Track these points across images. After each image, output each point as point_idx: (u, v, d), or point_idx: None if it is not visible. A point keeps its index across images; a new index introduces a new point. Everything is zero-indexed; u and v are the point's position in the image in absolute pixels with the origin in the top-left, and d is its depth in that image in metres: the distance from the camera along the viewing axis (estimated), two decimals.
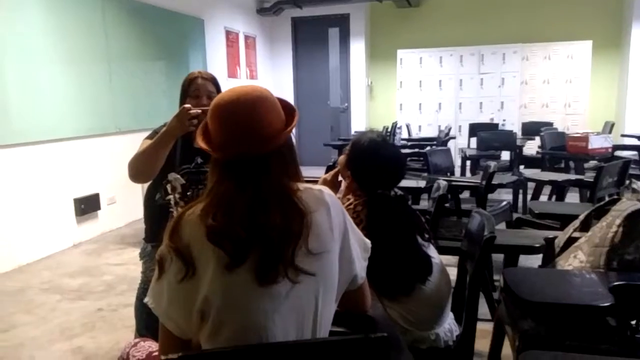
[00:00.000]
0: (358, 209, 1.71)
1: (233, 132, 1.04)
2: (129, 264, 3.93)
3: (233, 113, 1.04)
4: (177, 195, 1.93)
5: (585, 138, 4.74)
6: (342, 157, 1.88)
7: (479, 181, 3.57)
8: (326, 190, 1.12)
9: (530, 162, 6.04)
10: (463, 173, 6.17)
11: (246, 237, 0.96)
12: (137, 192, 4.72)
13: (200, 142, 1.07)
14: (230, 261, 0.96)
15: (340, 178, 1.91)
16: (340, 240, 1.09)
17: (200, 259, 0.98)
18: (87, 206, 4.68)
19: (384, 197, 1.78)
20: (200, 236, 0.98)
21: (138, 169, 1.89)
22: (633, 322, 1.62)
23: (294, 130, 1.10)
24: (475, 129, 6.93)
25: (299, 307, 1.00)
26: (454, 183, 3.49)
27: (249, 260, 0.96)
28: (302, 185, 1.08)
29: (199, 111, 1.79)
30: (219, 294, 0.96)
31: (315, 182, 1.65)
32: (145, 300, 1.06)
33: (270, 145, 1.03)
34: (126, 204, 5.11)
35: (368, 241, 1.20)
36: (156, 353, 1.27)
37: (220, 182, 1.04)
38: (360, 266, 1.15)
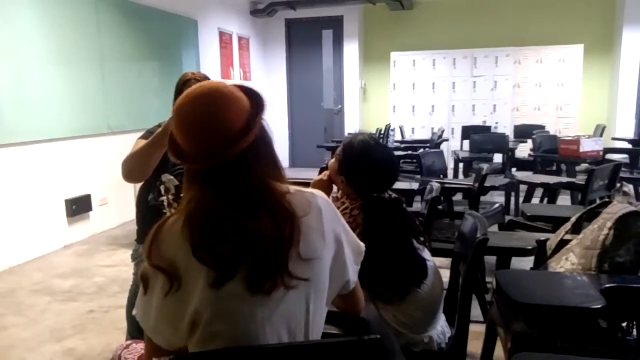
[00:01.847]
0: (355, 213, 1.69)
1: (197, 137, 0.99)
2: (121, 266, 3.90)
3: (192, 116, 0.99)
4: (170, 197, 1.92)
5: (576, 141, 4.78)
6: (333, 163, 1.84)
7: (471, 183, 3.58)
8: (319, 194, 1.09)
9: (522, 164, 6.07)
10: (456, 175, 6.18)
11: (234, 252, 0.93)
12: (129, 193, 4.70)
13: (172, 156, 1.02)
14: (217, 278, 0.92)
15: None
16: (334, 246, 1.06)
17: (189, 273, 0.94)
18: (79, 207, 4.65)
19: (379, 200, 1.76)
20: (186, 251, 0.94)
21: (132, 168, 1.89)
22: (624, 324, 1.63)
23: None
24: (467, 132, 6.96)
25: (291, 313, 0.99)
26: (446, 185, 3.50)
27: (240, 272, 0.93)
28: (293, 188, 1.04)
29: None
30: (210, 306, 0.94)
31: (307, 184, 1.64)
32: (133, 313, 1.03)
33: (242, 143, 0.97)
34: (118, 205, 5.09)
35: (362, 244, 1.18)
36: None
37: (200, 192, 0.99)
38: (353, 270, 1.13)
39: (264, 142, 1.03)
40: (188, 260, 0.94)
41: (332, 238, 1.06)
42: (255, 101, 1.04)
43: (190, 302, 0.94)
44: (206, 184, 0.99)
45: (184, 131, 1.01)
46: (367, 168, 1.75)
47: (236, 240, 0.93)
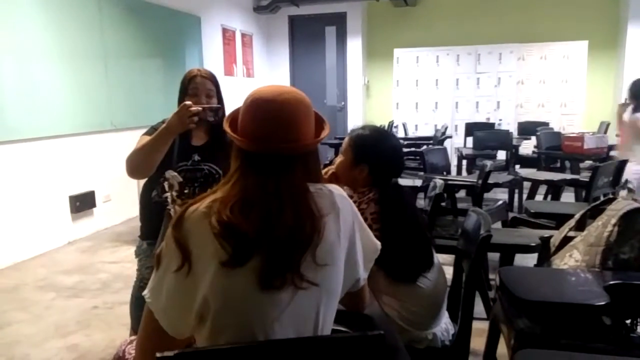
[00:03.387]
0: (363, 207, 1.69)
1: (269, 126, 1.03)
2: (125, 262, 3.92)
3: (273, 114, 1.03)
4: (174, 193, 1.92)
5: (580, 138, 4.77)
6: (343, 158, 1.81)
7: (475, 180, 3.58)
8: (336, 190, 1.10)
9: (526, 161, 6.06)
10: (459, 172, 6.18)
11: (254, 237, 0.95)
12: (132, 189, 4.71)
13: (227, 129, 1.08)
14: (230, 260, 0.94)
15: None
16: (347, 244, 1.07)
17: (202, 256, 0.96)
18: (83, 204, 4.67)
19: (396, 185, 1.79)
20: (206, 231, 0.96)
21: (136, 165, 1.90)
22: (628, 321, 1.63)
23: None
24: (471, 129, 6.95)
25: (300, 315, 0.99)
26: (450, 182, 3.50)
27: (253, 263, 0.94)
28: (313, 186, 1.06)
29: (200, 108, 1.79)
30: (219, 296, 0.95)
31: None
32: (144, 293, 1.04)
33: (299, 148, 1.04)
34: (122, 201, 5.10)
35: (378, 243, 1.18)
36: None
37: (242, 173, 1.03)
38: (364, 269, 1.13)
39: (315, 157, 1.11)
40: (204, 242, 0.96)
41: (347, 238, 1.07)
42: (320, 124, 1.12)
43: (200, 291, 0.96)
44: (250, 168, 1.03)
45: (259, 118, 1.04)
46: (387, 151, 1.78)
47: (259, 227, 0.96)
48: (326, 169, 1.88)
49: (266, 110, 1.04)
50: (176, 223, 1.01)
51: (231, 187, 1.02)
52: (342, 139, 1.91)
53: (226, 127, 1.08)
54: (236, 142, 1.05)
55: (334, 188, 1.10)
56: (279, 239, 0.95)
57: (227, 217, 0.96)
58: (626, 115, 4.00)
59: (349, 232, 1.07)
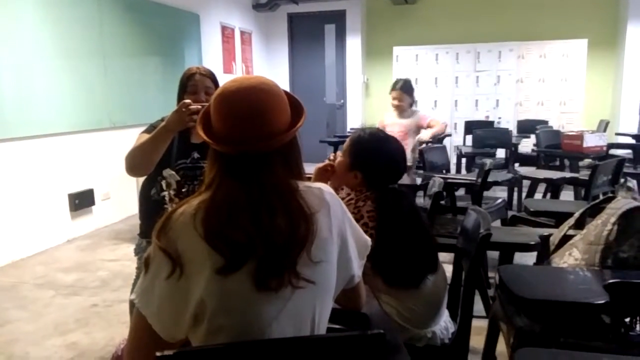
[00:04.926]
0: (360, 205, 1.69)
1: (237, 126, 1.00)
2: (124, 260, 3.92)
3: (239, 106, 1.00)
4: (171, 192, 1.92)
5: (580, 136, 4.76)
6: (341, 160, 1.81)
7: (474, 179, 3.58)
8: (325, 188, 1.09)
9: (526, 159, 6.06)
10: (459, 170, 6.18)
11: (247, 242, 0.93)
12: (131, 187, 4.71)
13: (200, 132, 1.04)
14: (225, 266, 0.92)
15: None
16: (339, 241, 1.06)
17: (194, 258, 0.94)
18: (82, 201, 4.66)
19: (394, 190, 1.78)
20: (194, 236, 0.94)
21: (135, 163, 1.89)
22: (627, 320, 1.63)
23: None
24: (470, 127, 6.94)
25: (297, 313, 0.99)
26: (449, 180, 3.50)
27: (249, 264, 0.93)
28: (302, 184, 1.04)
29: (199, 107, 1.79)
30: (215, 297, 0.93)
31: (309, 177, 1.63)
32: (131, 297, 1.02)
33: (275, 143, 1.00)
34: (121, 199, 5.09)
35: (368, 239, 1.18)
36: None
37: (222, 177, 1.00)
38: (358, 265, 1.13)
39: (293, 149, 1.07)
40: (196, 246, 0.94)
41: (338, 234, 1.06)
42: (297, 111, 1.09)
43: (194, 292, 0.94)
44: (229, 171, 1.00)
45: (225, 114, 1.02)
46: (384, 160, 1.76)
47: (250, 231, 0.94)
48: (324, 164, 1.87)
49: (234, 109, 1.01)
50: (160, 230, 0.98)
51: (213, 193, 0.99)
52: (342, 137, 1.91)
53: (199, 130, 1.04)
54: (211, 146, 1.03)
55: (323, 186, 1.10)
56: (275, 244, 0.94)
57: (215, 225, 0.94)
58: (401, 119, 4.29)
59: (340, 228, 1.07)
